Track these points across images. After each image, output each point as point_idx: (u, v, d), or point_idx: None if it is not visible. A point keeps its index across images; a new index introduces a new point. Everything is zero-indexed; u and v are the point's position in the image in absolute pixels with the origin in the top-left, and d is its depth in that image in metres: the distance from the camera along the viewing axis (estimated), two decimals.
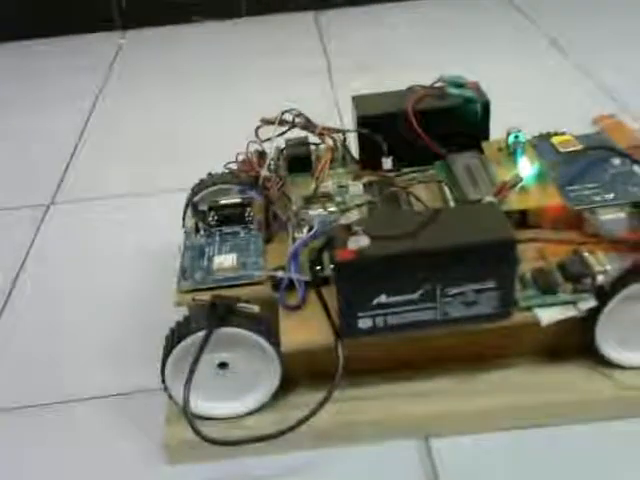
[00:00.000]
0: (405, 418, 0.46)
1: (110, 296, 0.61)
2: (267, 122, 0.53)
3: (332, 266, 0.41)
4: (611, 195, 0.48)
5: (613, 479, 0.43)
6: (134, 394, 0.51)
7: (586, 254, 0.44)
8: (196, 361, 0.42)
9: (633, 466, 0.44)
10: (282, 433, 0.42)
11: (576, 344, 0.47)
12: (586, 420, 0.46)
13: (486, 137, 0.55)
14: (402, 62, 0.98)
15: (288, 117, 0.53)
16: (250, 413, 0.46)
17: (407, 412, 0.46)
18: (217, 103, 0.93)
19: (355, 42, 1.09)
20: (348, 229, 0.41)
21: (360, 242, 0.40)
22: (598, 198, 0.48)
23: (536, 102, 0.83)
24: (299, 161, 0.55)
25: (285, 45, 1.10)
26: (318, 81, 0.96)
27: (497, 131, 0.54)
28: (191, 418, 0.42)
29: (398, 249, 0.40)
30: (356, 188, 0.52)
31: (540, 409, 0.46)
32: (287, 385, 0.47)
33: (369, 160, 0.54)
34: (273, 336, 0.44)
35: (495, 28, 1.10)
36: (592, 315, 0.44)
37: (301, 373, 0.47)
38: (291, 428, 0.42)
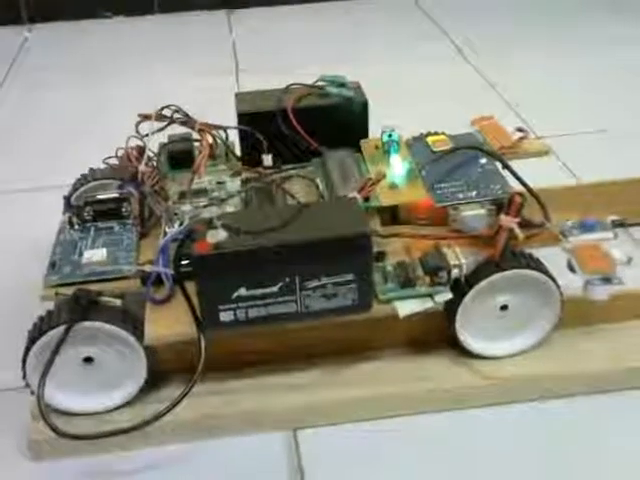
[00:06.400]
0: (273, 411, 0.47)
1: None
2: (145, 117, 0.53)
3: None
4: (474, 193, 0.49)
5: (474, 466, 0.45)
6: (3, 391, 0.50)
7: (445, 249, 0.46)
8: (53, 355, 0.42)
9: (491, 454, 0.45)
10: (138, 427, 0.42)
11: (443, 335, 0.49)
12: (448, 409, 0.47)
13: (365, 135, 0.56)
14: (311, 62, 0.99)
15: (167, 113, 0.54)
16: (119, 408, 0.46)
17: (275, 404, 0.47)
18: (120, 99, 0.92)
19: (265, 42, 1.09)
20: (209, 223, 0.42)
21: (218, 236, 0.40)
22: (461, 195, 0.49)
23: (432, 103, 0.85)
24: (180, 157, 0.55)
25: (195, 43, 1.10)
26: (226, 80, 0.96)
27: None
28: (45, 411, 0.42)
29: (253, 243, 0.41)
30: (234, 184, 0.52)
31: (404, 399, 0.47)
32: (162, 380, 0.47)
33: (250, 157, 0.54)
34: (138, 330, 0.44)
35: (402, 32, 1.12)
36: (452, 307, 0.46)
37: (173, 368, 0.48)
38: (147, 422, 0.42)
